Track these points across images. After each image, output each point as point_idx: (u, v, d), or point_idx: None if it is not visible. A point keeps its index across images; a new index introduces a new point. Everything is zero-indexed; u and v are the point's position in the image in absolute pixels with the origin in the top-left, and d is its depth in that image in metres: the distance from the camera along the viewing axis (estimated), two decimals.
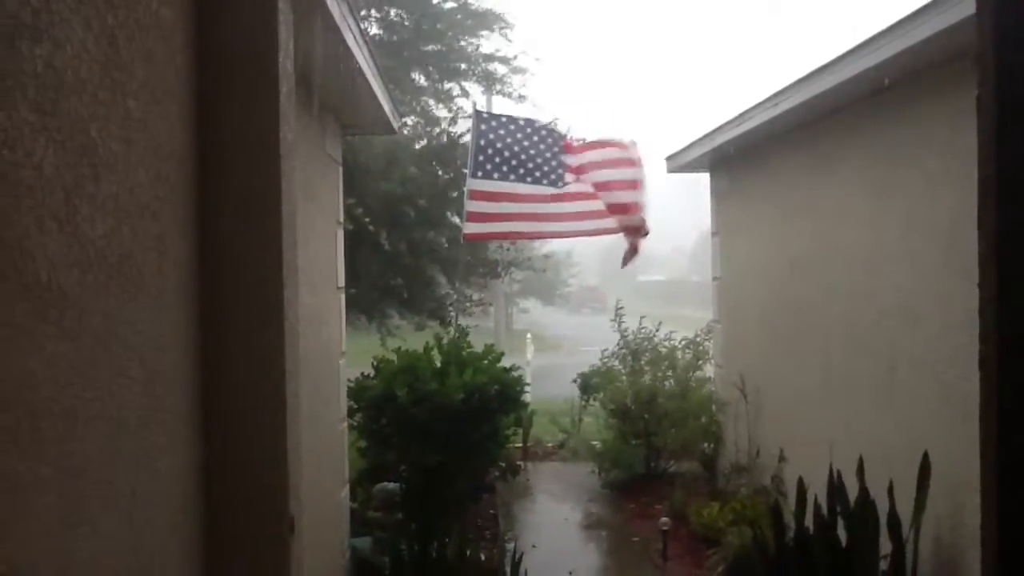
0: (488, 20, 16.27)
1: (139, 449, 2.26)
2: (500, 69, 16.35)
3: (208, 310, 2.75)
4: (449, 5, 15.81)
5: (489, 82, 16.18)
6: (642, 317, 10.73)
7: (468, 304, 12.35)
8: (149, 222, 2.31)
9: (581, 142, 8.28)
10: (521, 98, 16.48)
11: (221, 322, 2.78)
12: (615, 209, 8.17)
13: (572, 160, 8.10)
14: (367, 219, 9.48)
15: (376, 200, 9.47)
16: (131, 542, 2.21)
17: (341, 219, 5.89)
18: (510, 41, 16.84)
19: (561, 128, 8.50)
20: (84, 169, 1.91)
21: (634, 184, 8.23)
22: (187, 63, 2.59)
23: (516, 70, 16.51)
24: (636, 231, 8.29)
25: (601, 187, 8.11)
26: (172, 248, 2.51)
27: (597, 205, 8.13)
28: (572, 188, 8.10)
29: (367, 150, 9.53)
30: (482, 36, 16.28)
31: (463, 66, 15.72)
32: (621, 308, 10.54)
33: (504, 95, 16.48)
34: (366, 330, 11.82)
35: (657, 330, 10.54)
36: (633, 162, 8.27)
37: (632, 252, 8.45)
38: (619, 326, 10.58)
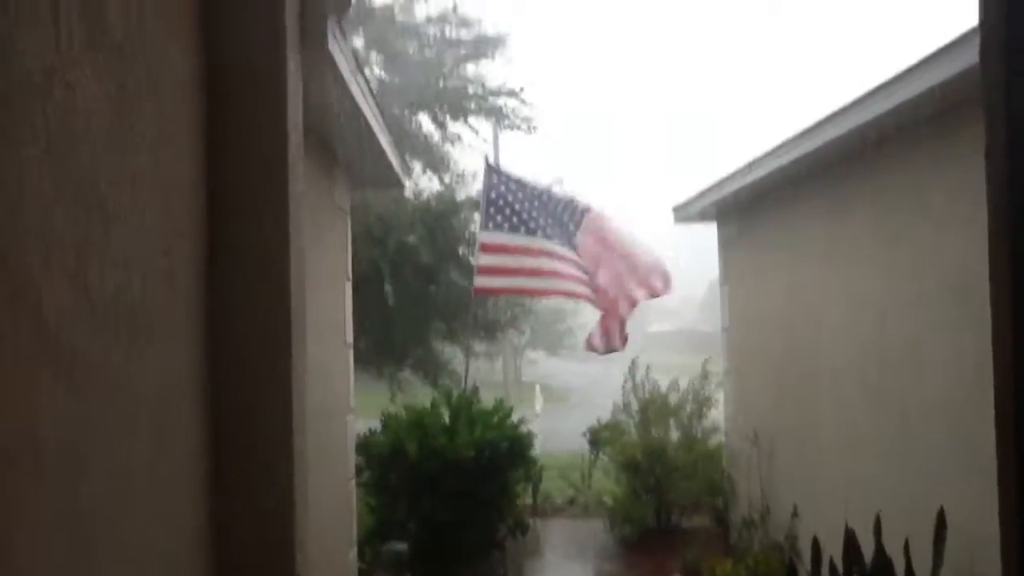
0: (487, 46, 16.30)
1: (145, 504, 2.21)
2: (508, 103, 16.27)
3: (217, 365, 2.71)
4: (450, 35, 15.89)
5: (498, 116, 16.11)
6: (647, 367, 10.64)
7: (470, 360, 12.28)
8: (158, 275, 2.29)
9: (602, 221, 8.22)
10: (531, 129, 16.39)
11: (229, 377, 2.75)
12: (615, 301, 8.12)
13: (593, 227, 8.04)
14: (371, 273, 9.47)
15: (381, 253, 9.47)
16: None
17: (350, 273, 5.87)
18: (509, 66, 16.77)
19: (568, 194, 8.49)
20: (95, 223, 1.88)
21: (637, 298, 8.20)
22: (197, 116, 2.58)
23: (524, 102, 16.40)
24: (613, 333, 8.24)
25: (609, 274, 8.06)
26: (181, 301, 2.48)
27: (606, 282, 8.07)
28: (581, 258, 8.04)
29: (374, 201, 9.56)
30: (484, 62, 16.25)
31: (472, 105, 15.69)
32: (634, 362, 10.48)
33: (512, 128, 16.44)
34: (375, 384, 11.75)
35: (670, 383, 10.42)
36: (652, 287, 8.22)
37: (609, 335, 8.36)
38: (633, 381, 10.48)
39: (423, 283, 10.06)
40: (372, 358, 10.36)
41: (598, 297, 7.98)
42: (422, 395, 8.16)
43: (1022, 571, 1.51)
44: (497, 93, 16.15)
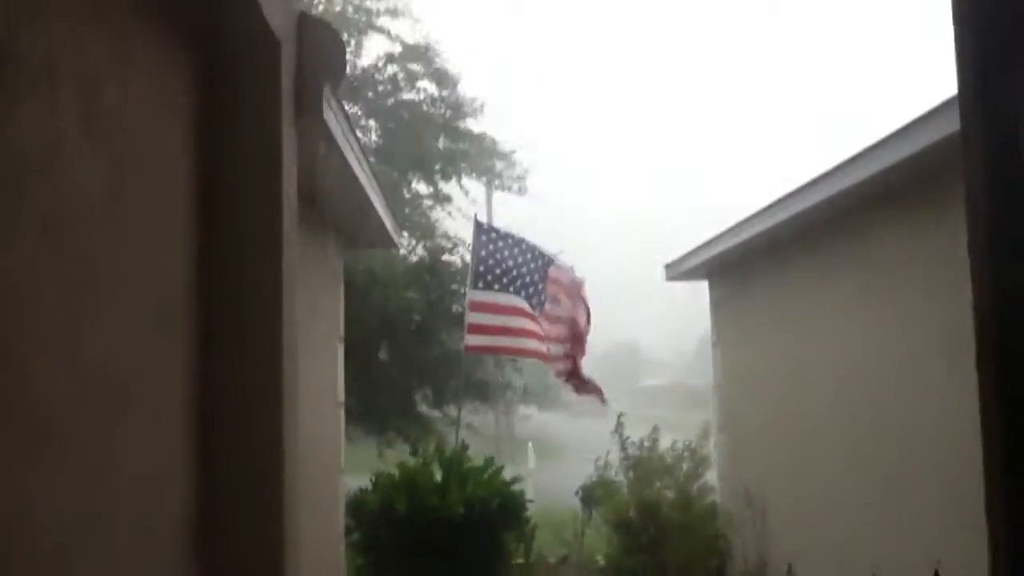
0: (479, 110, 16.46)
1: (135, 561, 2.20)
2: (498, 164, 16.43)
3: (206, 434, 2.72)
4: (441, 109, 16.05)
5: (489, 177, 16.26)
6: (654, 427, 10.57)
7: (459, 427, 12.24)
8: (150, 352, 2.31)
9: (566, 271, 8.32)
10: (521, 191, 16.53)
11: (219, 446, 2.76)
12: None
13: (553, 290, 8.13)
14: (362, 332, 9.48)
15: (371, 314, 9.49)
16: None
17: (342, 333, 5.89)
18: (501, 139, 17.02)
19: (551, 251, 8.56)
20: (87, 300, 1.91)
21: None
22: (192, 191, 2.63)
23: (513, 163, 16.56)
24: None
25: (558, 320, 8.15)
26: (172, 378, 2.50)
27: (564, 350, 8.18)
28: (551, 327, 8.12)
29: (363, 263, 9.61)
30: (474, 122, 16.40)
31: (463, 164, 15.84)
32: (622, 418, 10.38)
33: (504, 189, 16.56)
34: (363, 442, 11.67)
35: (656, 439, 10.34)
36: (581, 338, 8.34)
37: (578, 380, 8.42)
38: (620, 438, 10.39)
39: (414, 343, 10.08)
40: (360, 416, 10.32)
41: (564, 358, 8.10)
42: (407, 457, 8.09)
43: None
44: (490, 154, 16.33)
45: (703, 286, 9.85)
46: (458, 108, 16.23)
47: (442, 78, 15.89)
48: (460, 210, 15.77)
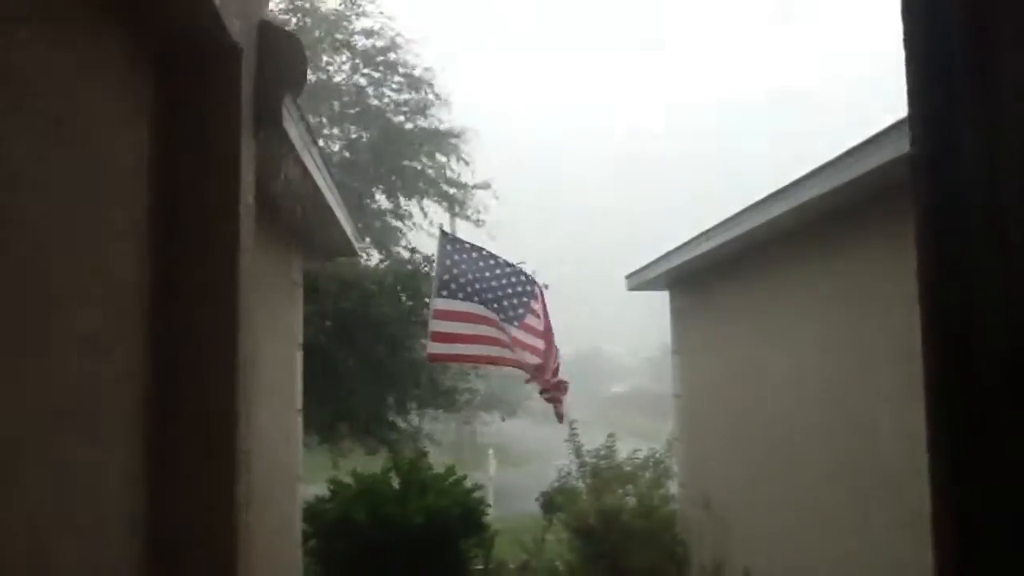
0: (446, 141, 16.59)
1: None
2: (459, 194, 16.66)
3: (160, 442, 2.70)
4: (409, 126, 16.14)
5: (451, 203, 16.46)
6: (609, 435, 10.62)
7: (419, 435, 12.21)
8: (103, 362, 2.29)
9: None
10: (479, 223, 16.77)
11: (172, 452, 2.73)
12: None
13: (534, 312, 8.10)
14: (323, 338, 9.44)
15: (333, 319, 9.45)
16: None
17: (301, 341, 5.86)
18: (467, 164, 17.17)
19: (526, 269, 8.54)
20: (36, 310, 1.89)
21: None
22: (147, 199, 2.61)
23: (473, 196, 16.81)
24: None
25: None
26: (125, 387, 2.47)
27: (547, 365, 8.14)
28: (527, 339, 8.08)
29: (326, 269, 9.58)
30: (440, 158, 16.58)
31: (422, 184, 16.00)
32: (575, 426, 10.42)
33: (463, 218, 16.76)
34: (317, 449, 11.62)
35: (611, 446, 10.39)
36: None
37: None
38: (575, 446, 10.45)
39: (382, 351, 10.06)
40: (318, 425, 10.28)
41: (537, 373, 8.04)
42: (364, 462, 8.04)
43: None
44: (452, 183, 16.50)
45: (664, 296, 9.95)
46: (423, 109, 16.31)
47: (411, 81, 15.99)
48: (421, 226, 15.89)
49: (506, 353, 7.91)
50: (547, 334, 8.02)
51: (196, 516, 2.77)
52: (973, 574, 1.52)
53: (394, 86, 16.24)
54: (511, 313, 7.82)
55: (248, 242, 2.90)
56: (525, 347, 7.85)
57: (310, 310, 8.58)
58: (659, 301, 10.17)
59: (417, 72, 16.31)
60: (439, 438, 14.23)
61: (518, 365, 8.06)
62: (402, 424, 11.53)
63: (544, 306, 8.10)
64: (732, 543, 7.73)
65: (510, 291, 7.90)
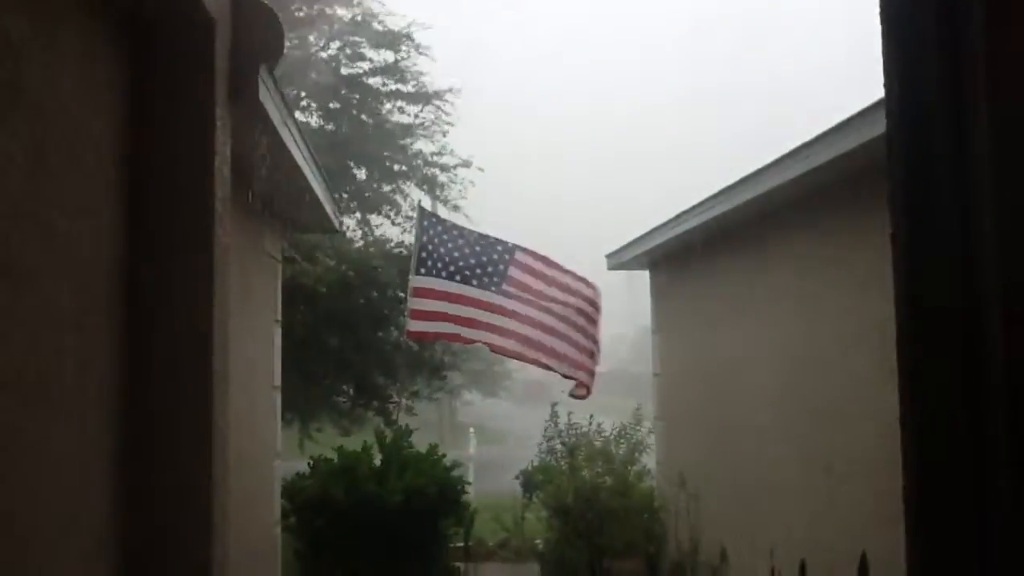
0: (428, 99, 16.48)
1: (55, 569, 2.17)
2: (440, 176, 16.63)
3: (133, 418, 2.68)
4: (387, 87, 16.03)
5: (431, 186, 16.43)
6: (569, 413, 10.64)
7: (410, 404, 12.26)
8: (74, 337, 2.26)
9: (532, 258, 8.18)
10: (456, 208, 16.79)
11: (147, 427, 2.71)
12: (568, 349, 8.03)
13: (519, 275, 8.02)
14: (306, 315, 9.43)
15: (321, 300, 9.45)
16: None
17: (279, 317, 5.83)
18: (449, 152, 17.07)
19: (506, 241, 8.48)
20: (3, 288, 1.86)
21: (592, 330, 8.13)
22: (119, 173, 2.57)
23: (454, 179, 16.80)
24: (586, 379, 8.14)
25: (553, 318, 8.00)
26: (96, 361, 2.45)
27: (548, 340, 8.01)
28: (520, 310, 7.98)
29: (306, 245, 9.56)
30: (421, 137, 16.52)
31: (403, 168, 15.96)
32: (556, 407, 10.47)
33: (442, 202, 16.74)
34: (290, 425, 11.65)
35: (589, 423, 10.43)
36: (594, 305, 8.20)
37: (582, 388, 8.24)
38: (555, 426, 10.49)
39: (366, 325, 10.08)
40: (298, 405, 10.30)
41: (526, 350, 7.97)
42: (334, 443, 7.98)
43: None
44: (432, 164, 16.46)
45: (644, 275, 9.97)
46: (401, 74, 16.22)
47: (387, 40, 15.86)
48: (401, 208, 15.88)
49: (482, 334, 7.89)
50: (538, 302, 7.93)
51: (171, 493, 2.76)
52: (944, 553, 1.54)
53: (370, 45, 16.02)
54: (486, 280, 7.80)
55: (223, 215, 2.88)
56: (507, 314, 7.81)
57: (291, 288, 8.56)
58: (639, 282, 10.19)
59: (396, 28, 16.18)
60: (421, 417, 14.28)
61: (492, 346, 8.01)
62: (391, 394, 11.57)
63: (530, 272, 7.99)
64: (709, 522, 7.80)
65: (484, 259, 7.87)
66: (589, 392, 8.03)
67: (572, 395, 8.16)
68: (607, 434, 10.12)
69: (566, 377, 7.82)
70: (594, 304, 8.07)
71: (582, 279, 8.15)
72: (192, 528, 2.76)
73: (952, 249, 1.49)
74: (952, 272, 1.49)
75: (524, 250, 8.12)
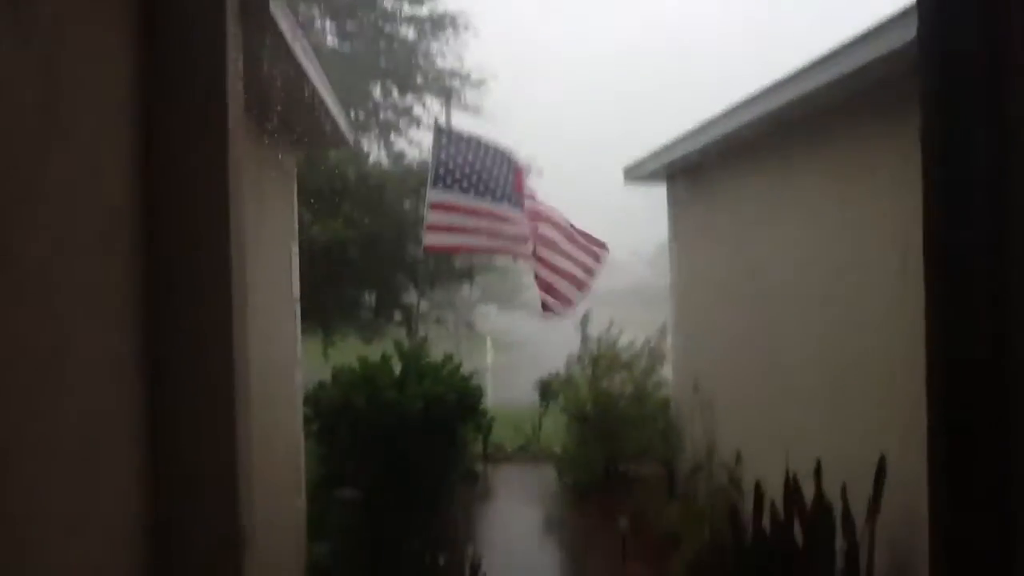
0: (445, 25, 16.24)
1: (84, 464, 2.25)
2: (457, 84, 16.40)
3: (155, 323, 2.74)
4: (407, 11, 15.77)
5: (447, 96, 16.22)
6: (611, 321, 10.77)
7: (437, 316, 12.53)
8: (93, 248, 2.31)
9: (534, 174, 8.17)
10: (477, 111, 16.55)
11: (168, 333, 2.77)
12: (563, 275, 8.07)
13: (528, 200, 8.02)
14: (332, 232, 9.52)
15: (341, 214, 9.52)
16: (76, 557, 2.20)
17: (296, 231, 5.88)
18: (465, 71, 16.74)
19: (520, 153, 8.42)
20: (16, 207, 1.89)
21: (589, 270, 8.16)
22: (131, 89, 2.58)
23: (473, 83, 16.55)
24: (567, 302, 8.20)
25: (552, 248, 8.03)
26: (115, 276, 2.50)
27: (555, 259, 8.04)
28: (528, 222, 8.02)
29: (326, 162, 9.58)
30: (440, 40, 16.24)
31: (420, 81, 15.76)
32: (587, 317, 10.66)
33: (461, 108, 16.53)
34: (315, 337, 11.86)
35: (619, 335, 10.58)
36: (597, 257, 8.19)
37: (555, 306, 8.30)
38: (583, 335, 10.66)
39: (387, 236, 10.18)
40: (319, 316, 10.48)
41: (538, 261, 8.02)
42: (358, 351, 8.16)
43: (947, 530, 1.61)
44: (451, 75, 16.19)
45: (661, 193, 9.93)
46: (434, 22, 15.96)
47: None
48: (420, 121, 15.75)
49: (502, 242, 7.93)
50: (543, 217, 7.97)
51: (193, 399, 2.84)
52: (965, 454, 1.57)
53: None
54: (499, 193, 7.81)
55: (237, 131, 2.89)
56: (521, 225, 7.85)
57: (312, 201, 8.62)
58: (656, 200, 10.14)
59: None
60: (438, 330, 14.50)
61: (512, 254, 8.05)
62: (411, 303, 11.76)
63: (535, 194, 8.02)
64: (724, 428, 7.94)
65: (498, 173, 7.87)
66: (551, 311, 8.18)
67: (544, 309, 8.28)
68: (630, 346, 10.27)
69: (544, 308, 7.96)
70: (597, 256, 8.14)
71: (585, 234, 8.21)
72: (215, 429, 2.85)
73: (983, 139, 1.48)
74: (982, 163, 1.48)
75: (528, 171, 8.11)
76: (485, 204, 7.74)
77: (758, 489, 5.56)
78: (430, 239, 7.97)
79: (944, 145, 1.53)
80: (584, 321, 10.67)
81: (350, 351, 8.51)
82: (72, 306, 2.14)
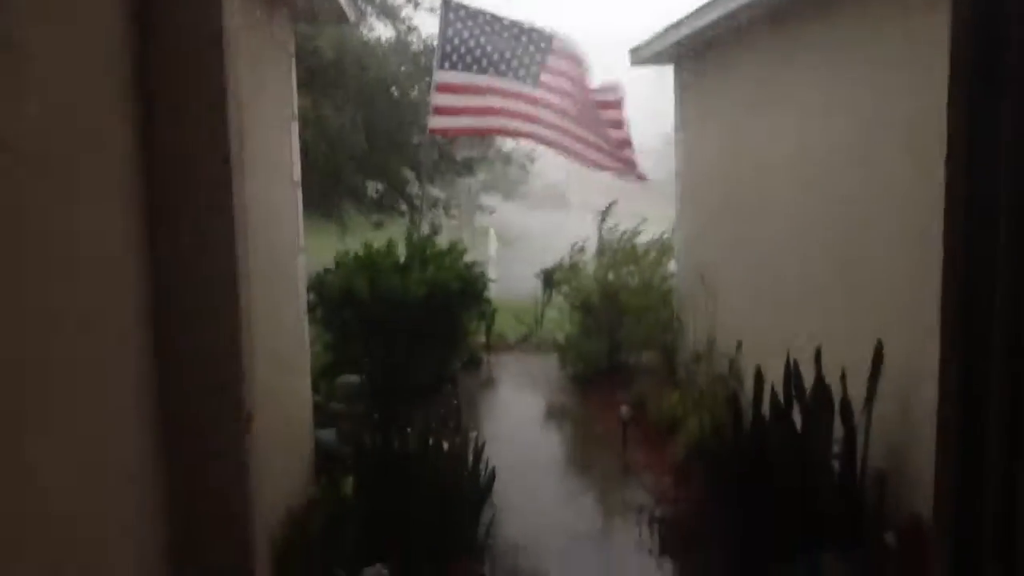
0: None
1: (89, 346, 2.23)
2: None
3: (153, 204, 2.69)
4: None
5: None
6: (643, 219, 10.68)
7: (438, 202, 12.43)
8: (85, 114, 2.23)
9: (565, 52, 7.89)
10: None
11: (168, 215, 2.73)
12: (599, 141, 7.90)
13: (553, 69, 7.77)
14: (332, 114, 9.33)
15: (345, 95, 9.31)
16: (87, 437, 2.21)
17: (295, 111, 5.73)
18: None
19: (541, 28, 8.13)
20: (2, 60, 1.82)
21: (619, 123, 7.97)
22: None
23: None
24: (629, 167, 8.04)
25: (582, 117, 7.81)
26: (111, 145, 2.43)
27: (578, 130, 7.85)
28: (550, 98, 7.78)
29: (327, 40, 9.31)
30: None
31: None
32: (608, 208, 10.63)
33: None
34: (325, 228, 11.79)
35: (639, 229, 10.52)
36: (617, 104, 7.99)
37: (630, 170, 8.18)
38: (601, 224, 10.61)
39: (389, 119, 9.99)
40: (321, 201, 10.39)
41: (560, 137, 7.85)
42: (370, 238, 8.13)
43: (958, 419, 1.60)
44: None
45: (666, 86, 9.68)
46: None
47: None
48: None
49: (509, 124, 7.76)
50: (580, 91, 7.78)
51: (197, 275, 2.80)
52: (972, 338, 1.53)
53: None
54: (522, 73, 7.59)
55: (231, 5, 2.77)
56: (549, 105, 7.67)
57: (311, 84, 8.41)
58: (662, 91, 9.90)
59: None
60: (440, 220, 14.42)
61: (526, 135, 7.89)
62: (417, 192, 11.69)
63: (568, 61, 7.80)
64: (726, 316, 7.95)
65: (520, 51, 7.63)
66: (640, 175, 8.10)
67: (623, 177, 8.21)
68: (635, 237, 10.24)
69: (597, 166, 7.84)
70: (620, 104, 7.97)
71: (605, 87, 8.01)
72: (217, 309, 2.83)
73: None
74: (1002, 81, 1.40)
75: (559, 40, 7.87)
76: (496, 82, 7.54)
77: (758, 375, 5.58)
78: (435, 122, 7.82)
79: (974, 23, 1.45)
80: (607, 212, 10.62)
81: (370, 240, 8.45)
82: (60, 181, 2.07)
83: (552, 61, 7.73)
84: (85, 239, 2.21)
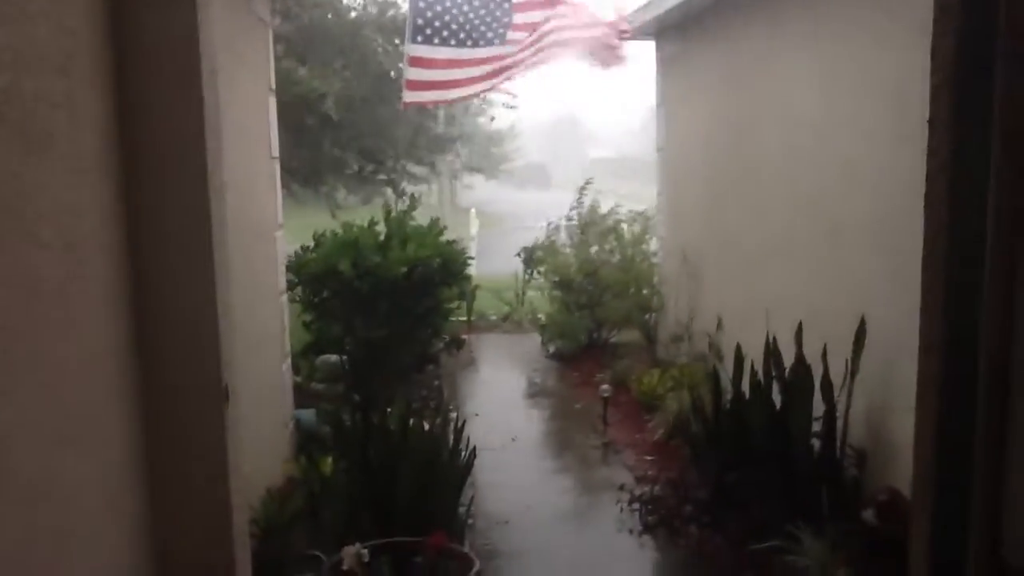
0: None
1: (62, 319, 2.19)
2: None
3: (128, 173, 2.64)
4: None
5: None
6: (582, 188, 10.66)
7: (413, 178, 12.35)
8: (55, 78, 2.17)
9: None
10: None
11: (142, 185, 2.68)
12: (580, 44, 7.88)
13: (523, 17, 7.72)
14: (315, 88, 9.24)
15: (327, 71, 9.22)
16: (61, 409, 2.17)
17: (273, 85, 5.65)
18: None
19: None
20: None
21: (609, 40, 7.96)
22: None
23: None
24: (609, 52, 8.03)
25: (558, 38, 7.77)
26: (83, 108, 2.37)
27: (546, 41, 7.79)
28: (531, 41, 7.74)
29: (319, 22, 9.23)
30: None
31: None
32: (586, 185, 10.60)
33: None
34: (313, 204, 11.71)
35: (617, 206, 10.50)
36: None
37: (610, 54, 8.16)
38: (579, 203, 10.58)
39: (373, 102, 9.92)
40: (308, 177, 10.31)
41: (531, 56, 7.81)
42: (362, 216, 8.06)
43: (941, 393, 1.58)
44: None
45: (648, 62, 9.64)
46: None
47: None
48: None
49: (481, 85, 7.75)
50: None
51: (170, 251, 2.75)
52: (954, 310, 1.52)
53: None
54: (490, 34, 7.56)
55: None
56: (511, 55, 7.64)
57: (288, 58, 8.30)
58: (640, 67, 9.86)
59: None
60: (421, 199, 14.36)
61: (494, 87, 7.87)
62: (397, 167, 11.63)
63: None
64: (707, 293, 7.95)
65: (486, 15, 7.60)
66: (618, 59, 8.10)
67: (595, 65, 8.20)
68: (615, 214, 10.21)
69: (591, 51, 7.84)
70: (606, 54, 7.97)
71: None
72: (193, 286, 2.78)
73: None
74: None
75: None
76: (465, 53, 7.51)
77: (738, 353, 5.59)
78: (408, 96, 7.76)
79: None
80: (584, 189, 10.59)
81: (357, 217, 8.38)
82: (31, 141, 2.02)
83: (519, 18, 7.71)
84: (60, 216, 2.16)
